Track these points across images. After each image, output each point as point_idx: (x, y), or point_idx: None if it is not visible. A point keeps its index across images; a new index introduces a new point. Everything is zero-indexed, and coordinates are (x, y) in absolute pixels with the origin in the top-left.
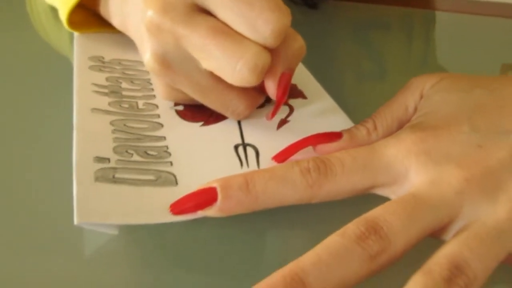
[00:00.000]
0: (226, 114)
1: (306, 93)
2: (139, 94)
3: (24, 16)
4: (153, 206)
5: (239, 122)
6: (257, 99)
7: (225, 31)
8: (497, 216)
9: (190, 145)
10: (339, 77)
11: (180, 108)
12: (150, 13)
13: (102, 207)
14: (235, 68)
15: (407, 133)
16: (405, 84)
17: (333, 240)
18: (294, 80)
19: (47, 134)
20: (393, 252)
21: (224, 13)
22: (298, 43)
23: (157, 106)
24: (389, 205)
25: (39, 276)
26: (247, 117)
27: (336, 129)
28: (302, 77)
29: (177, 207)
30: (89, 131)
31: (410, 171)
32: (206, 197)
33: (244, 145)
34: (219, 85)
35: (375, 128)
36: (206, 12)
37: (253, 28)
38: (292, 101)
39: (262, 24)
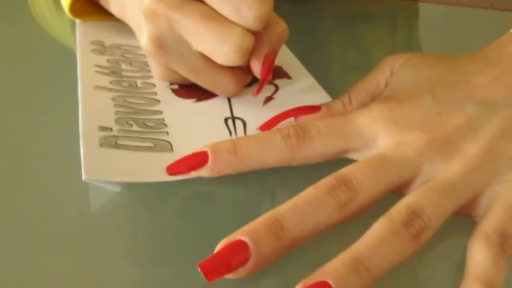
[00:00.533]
0: (216, 92)
1: (290, 74)
2: (138, 74)
3: (25, 8)
4: (151, 168)
5: (229, 99)
6: (244, 78)
7: (214, 16)
8: (452, 173)
9: (184, 118)
10: (326, 65)
11: (175, 87)
12: (147, 0)
13: (106, 167)
14: (222, 49)
15: (377, 104)
16: (379, 62)
17: (308, 192)
18: (280, 62)
19: (55, 110)
20: (360, 201)
21: (213, 0)
22: (281, 26)
23: (154, 85)
24: (358, 163)
25: (50, 230)
26: (235, 95)
27: (316, 104)
28: (288, 59)
29: (173, 169)
30: (93, 105)
31: (378, 136)
32: (198, 159)
33: (233, 118)
34: (209, 65)
35: (350, 101)
36: (199, 0)
37: (238, 13)
38: (277, 81)
39: (246, 10)
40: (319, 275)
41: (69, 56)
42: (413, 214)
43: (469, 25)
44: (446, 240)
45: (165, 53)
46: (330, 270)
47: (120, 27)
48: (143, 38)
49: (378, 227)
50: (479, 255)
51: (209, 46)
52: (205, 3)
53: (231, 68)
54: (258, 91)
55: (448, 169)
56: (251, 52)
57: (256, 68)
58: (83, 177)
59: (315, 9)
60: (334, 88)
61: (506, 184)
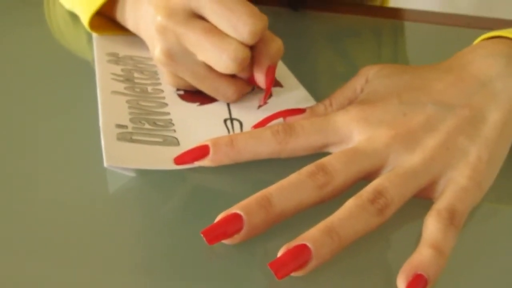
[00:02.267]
0: (217, 98)
1: (282, 83)
2: (148, 81)
3: (42, 23)
4: (161, 158)
5: (228, 104)
6: (244, 87)
7: (214, 31)
8: (413, 162)
9: (189, 118)
10: (315, 78)
11: (181, 92)
12: (159, 17)
13: (123, 157)
14: (221, 58)
15: (353, 106)
16: (358, 72)
17: (292, 176)
18: None
19: (78, 111)
20: (336, 185)
21: (213, 18)
22: (278, 43)
23: (162, 91)
24: (335, 154)
25: (74, 209)
26: (235, 101)
27: None
28: (280, 71)
29: (180, 159)
30: (111, 107)
31: (353, 133)
32: (201, 151)
33: (231, 119)
34: (211, 74)
35: (331, 104)
36: (200, 17)
37: (235, 29)
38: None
39: (241, 26)
40: (299, 240)
41: (86, 66)
42: (378, 194)
43: (448, 41)
44: (410, 218)
45: (174, 63)
46: (308, 236)
47: (132, 41)
48: (156, 49)
49: (349, 204)
50: (431, 226)
51: (210, 56)
52: (207, 20)
53: (231, 78)
54: (265, 99)
55: (411, 159)
56: (254, 66)
57: (260, 79)
58: (105, 164)
59: (307, 27)
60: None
61: (458, 171)
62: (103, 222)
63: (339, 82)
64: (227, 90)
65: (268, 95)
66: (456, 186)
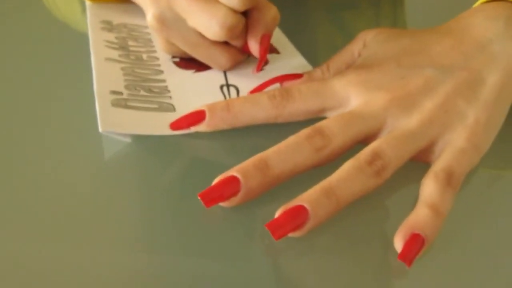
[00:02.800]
0: (211, 65)
1: (279, 49)
2: (143, 49)
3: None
4: (157, 124)
5: (224, 71)
6: (238, 56)
7: None
8: (411, 124)
9: (185, 85)
10: (313, 48)
11: (177, 59)
12: None
13: (118, 122)
14: (209, 24)
15: (350, 71)
16: (355, 36)
17: (289, 138)
18: (271, 40)
19: (73, 79)
20: (333, 147)
21: None
22: (273, 11)
23: (158, 58)
24: (333, 117)
25: (71, 174)
26: (229, 69)
27: None
28: (278, 38)
29: (176, 124)
30: (105, 73)
31: (351, 96)
32: (197, 116)
33: (228, 85)
34: (204, 41)
35: (328, 69)
36: None
37: None
38: (268, 56)
39: None
40: (296, 201)
41: (80, 35)
42: (376, 156)
43: (448, 11)
44: (408, 181)
45: (166, 28)
46: (306, 196)
47: (126, 9)
48: (148, 15)
49: (347, 165)
50: (428, 187)
51: (199, 22)
52: None
53: (225, 45)
54: (258, 68)
55: (408, 121)
56: (248, 34)
57: (254, 47)
58: (100, 129)
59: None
60: None
61: (456, 133)
62: (99, 188)
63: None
64: (220, 58)
65: (262, 63)
66: (453, 148)
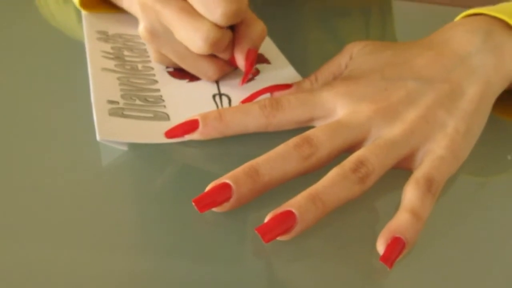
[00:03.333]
0: (199, 76)
1: (270, 60)
2: (138, 59)
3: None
4: (152, 132)
5: (216, 80)
6: (225, 68)
7: (189, 11)
8: (393, 134)
9: (179, 94)
10: (304, 57)
11: (171, 69)
12: None
13: (115, 131)
14: (193, 38)
15: (337, 82)
16: (343, 48)
17: (279, 147)
18: (261, 50)
19: (70, 88)
20: (320, 156)
21: None
22: (260, 26)
23: (152, 68)
24: (320, 127)
25: (70, 180)
26: (216, 80)
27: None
28: (269, 48)
29: (170, 133)
30: (102, 83)
31: (337, 107)
32: (191, 125)
33: (220, 95)
34: (192, 53)
35: (316, 80)
36: None
37: (208, 9)
38: (258, 65)
39: (214, 7)
40: (284, 206)
41: (76, 45)
42: (360, 163)
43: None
44: (390, 187)
45: (156, 39)
46: (293, 202)
47: (121, 19)
48: (140, 26)
49: (332, 173)
50: (409, 193)
51: (183, 35)
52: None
53: (212, 57)
54: (243, 82)
55: (391, 131)
56: (235, 48)
57: (240, 61)
58: (98, 138)
59: (295, 7)
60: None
61: (436, 142)
62: (95, 193)
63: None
64: (208, 69)
65: (247, 77)
66: (433, 156)
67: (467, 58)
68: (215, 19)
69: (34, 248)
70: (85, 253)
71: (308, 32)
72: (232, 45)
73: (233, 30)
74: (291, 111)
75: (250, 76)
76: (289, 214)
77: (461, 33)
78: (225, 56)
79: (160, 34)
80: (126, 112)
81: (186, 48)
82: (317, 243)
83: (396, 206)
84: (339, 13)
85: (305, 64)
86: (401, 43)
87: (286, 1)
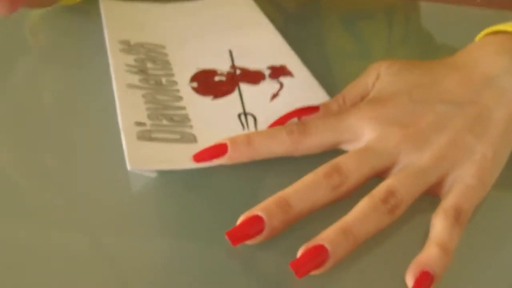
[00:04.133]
0: None
1: (293, 72)
2: (161, 72)
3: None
4: (180, 157)
5: (241, 97)
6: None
7: None
8: (422, 161)
9: (205, 114)
10: (329, 57)
11: (194, 85)
12: None
13: (145, 158)
14: None
15: (365, 104)
16: (367, 67)
17: (308, 177)
18: (284, 62)
19: (97, 107)
20: (349, 184)
21: None
22: None
23: (176, 83)
24: (348, 154)
25: (99, 209)
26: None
27: (315, 101)
28: (292, 60)
29: (198, 157)
30: (128, 102)
31: (365, 131)
32: (219, 149)
33: (245, 114)
34: None
35: (344, 102)
36: None
37: None
38: (282, 79)
39: None
40: (316, 241)
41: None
42: (390, 194)
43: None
44: (417, 213)
45: None
46: (325, 236)
47: (142, 26)
48: None
49: (362, 204)
50: (438, 225)
51: None
52: None
53: None
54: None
55: (420, 158)
56: None
57: None
58: (128, 168)
59: (320, 9)
60: (335, 77)
61: (465, 169)
62: (126, 223)
63: (351, 62)
64: None
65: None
66: (462, 184)
67: (495, 80)
68: None
69: (59, 278)
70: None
71: (331, 33)
72: None
73: None
74: (318, 136)
75: (276, 88)
76: (321, 249)
77: (488, 54)
78: None
79: None
80: (153, 135)
81: None
82: (345, 277)
83: (422, 233)
84: (362, 14)
85: (330, 65)
86: (427, 62)
87: (310, 3)
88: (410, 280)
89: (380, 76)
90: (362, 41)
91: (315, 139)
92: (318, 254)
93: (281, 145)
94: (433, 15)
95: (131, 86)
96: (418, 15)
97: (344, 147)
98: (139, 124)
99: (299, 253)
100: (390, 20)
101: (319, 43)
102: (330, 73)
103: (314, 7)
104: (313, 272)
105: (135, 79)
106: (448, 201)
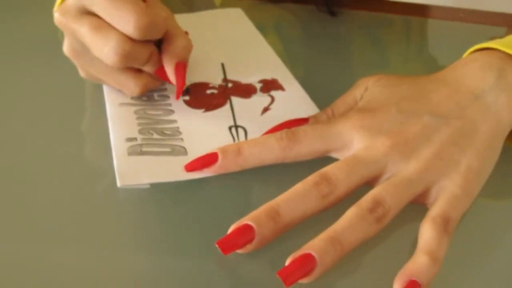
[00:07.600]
0: (123, 91)
1: (284, 86)
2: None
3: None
4: (170, 169)
5: (232, 110)
6: (150, 82)
7: (101, 26)
8: (408, 171)
9: (196, 126)
10: (350, 68)
11: (186, 98)
12: (56, 14)
13: (135, 173)
14: (103, 51)
15: (354, 113)
16: (356, 82)
17: (297, 186)
18: (275, 76)
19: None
20: (338, 193)
21: (103, 14)
22: (184, 40)
23: (168, 97)
24: (337, 163)
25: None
26: (138, 95)
27: (306, 114)
28: (282, 73)
29: (190, 166)
30: (120, 119)
31: (353, 140)
32: (210, 159)
33: (236, 127)
34: (113, 67)
35: (333, 114)
36: (92, 14)
37: (120, 23)
38: (273, 92)
39: (126, 20)
40: (304, 249)
41: None
42: (377, 203)
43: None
44: (404, 221)
45: (78, 56)
46: (312, 245)
47: None
48: (63, 44)
49: (350, 213)
50: (426, 233)
51: (96, 50)
52: (99, 17)
53: (136, 72)
54: (178, 96)
55: (406, 168)
56: (163, 61)
57: (170, 75)
58: (118, 184)
59: (342, 24)
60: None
61: (451, 180)
62: (115, 234)
63: (371, 72)
64: (130, 84)
65: (181, 92)
66: (449, 194)
67: (481, 95)
68: (128, 31)
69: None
70: None
71: (353, 45)
72: (159, 59)
73: (160, 42)
74: (307, 143)
75: (267, 102)
76: (309, 257)
77: (474, 70)
78: (149, 69)
79: (80, 51)
80: (144, 149)
81: (106, 64)
82: (333, 285)
83: (410, 241)
84: (382, 30)
85: (350, 76)
86: (416, 77)
87: (332, 18)
88: None
89: (368, 88)
90: (382, 54)
91: (305, 145)
92: (306, 263)
93: (271, 152)
94: (450, 34)
95: (123, 104)
96: (428, 31)
97: (334, 155)
98: (130, 139)
99: (287, 262)
100: (407, 36)
101: (342, 55)
102: (352, 79)
103: (338, 21)
104: (301, 281)
105: (127, 97)
106: (436, 210)
